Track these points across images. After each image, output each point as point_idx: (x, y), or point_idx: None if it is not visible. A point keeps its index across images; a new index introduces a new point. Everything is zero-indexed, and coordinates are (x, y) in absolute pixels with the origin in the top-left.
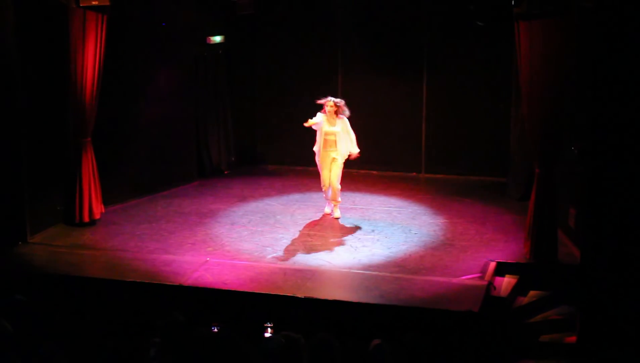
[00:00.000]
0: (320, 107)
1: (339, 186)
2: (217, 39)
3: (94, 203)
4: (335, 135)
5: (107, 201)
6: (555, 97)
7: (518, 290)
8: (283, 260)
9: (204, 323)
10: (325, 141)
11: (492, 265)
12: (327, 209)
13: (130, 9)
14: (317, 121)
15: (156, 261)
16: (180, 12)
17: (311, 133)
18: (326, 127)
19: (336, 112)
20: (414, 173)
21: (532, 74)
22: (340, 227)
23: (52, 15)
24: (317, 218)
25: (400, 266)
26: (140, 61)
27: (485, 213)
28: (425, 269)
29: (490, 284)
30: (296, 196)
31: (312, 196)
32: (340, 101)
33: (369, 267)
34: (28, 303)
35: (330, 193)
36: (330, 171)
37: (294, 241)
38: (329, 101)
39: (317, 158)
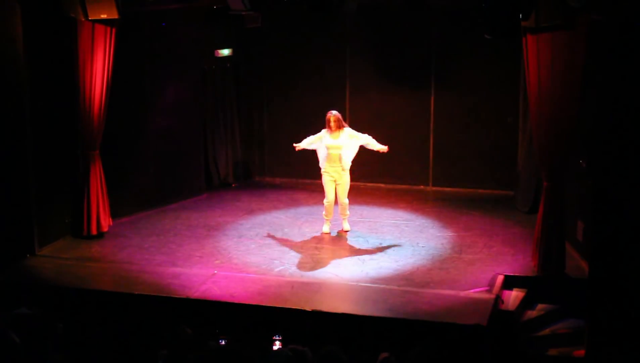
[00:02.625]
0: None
1: (347, 201)
2: (225, 52)
3: (101, 215)
4: (338, 149)
5: (114, 213)
6: (563, 110)
7: (526, 303)
8: (291, 273)
9: (212, 336)
10: (329, 155)
11: (500, 278)
12: (325, 229)
13: (138, 22)
14: (310, 142)
15: (164, 274)
16: (188, 25)
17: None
18: (329, 141)
19: (338, 126)
20: (422, 186)
21: (540, 87)
22: (348, 240)
23: (60, 28)
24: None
25: (407, 279)
26: (149, 74)
27: (493, 226)
28: (433, 282)
29: (498, 297)
30: (304, 209)
31: (319, 209)
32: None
33: (376, 280)
34: (35, 316)
35: (338, 209)
36: (336, 186)
37: (301, 254)
38: (330, 115)
39: (323, 174)
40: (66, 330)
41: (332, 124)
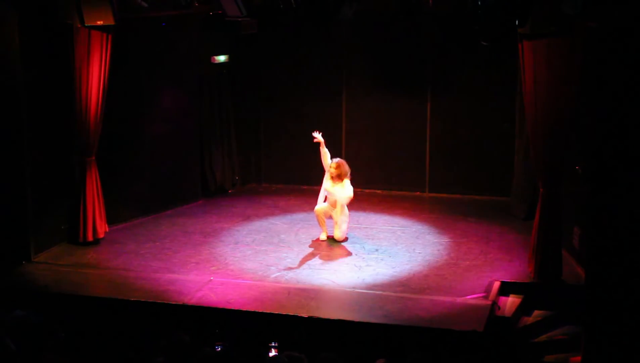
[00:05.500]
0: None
1: (344, 229)
2: (221, 58)
3: (98, 222)
4: (334, 195)
5: (111, 220)
6: (559, 117)
7: (522, 309)
8: (287, 279)
9: (208, 343)
10: (328, 198)
11: (497, 284)
12: (323, 237)
13: (135, 29)
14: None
15: (160, 281)
16: (184, 32)
17: (315, 152)
18: (328, 186)
19: (338, 176)
20: (418, 192)
21: (536, 94)
22: (344, 246)
23: (56, 34)
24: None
25: (404, 285)
26: (145, 80)
27: (489, 232)
28: (430, 288)
29: (495, 304)
30: (300, 216)
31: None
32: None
33: (373, 286)
34: (31, 321)
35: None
36: (333, 208)
37: (297, 261)
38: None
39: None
40: (62, 337)
41: (333, 174)
